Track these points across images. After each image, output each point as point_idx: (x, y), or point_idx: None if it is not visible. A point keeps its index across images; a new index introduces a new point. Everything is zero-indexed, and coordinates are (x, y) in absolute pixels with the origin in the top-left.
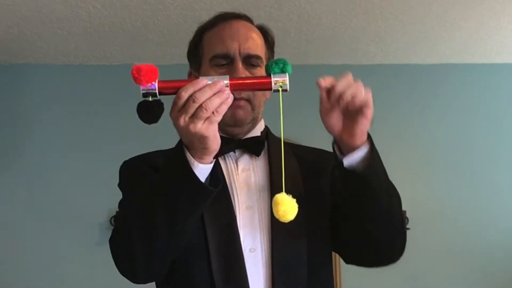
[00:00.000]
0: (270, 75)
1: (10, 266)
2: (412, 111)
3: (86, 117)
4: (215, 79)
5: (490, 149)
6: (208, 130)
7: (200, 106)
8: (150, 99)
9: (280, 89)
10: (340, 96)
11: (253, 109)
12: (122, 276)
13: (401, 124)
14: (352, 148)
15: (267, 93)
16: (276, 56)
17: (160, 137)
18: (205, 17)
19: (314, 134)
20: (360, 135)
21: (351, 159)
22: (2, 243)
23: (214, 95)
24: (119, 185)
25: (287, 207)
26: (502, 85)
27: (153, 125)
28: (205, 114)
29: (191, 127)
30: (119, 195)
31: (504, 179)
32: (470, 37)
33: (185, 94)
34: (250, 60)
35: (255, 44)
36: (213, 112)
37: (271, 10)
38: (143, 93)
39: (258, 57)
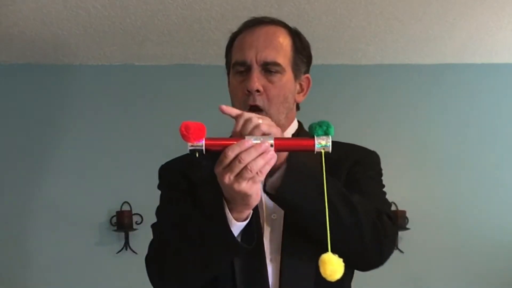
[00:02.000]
0: (313, 137)
1: (10, 265)
2: (411, 111)
3: (86, 117)
4: (261, 139)
5: (490, 149)
6: (252, 189)
7: (245, 166)
8: (197, 155)
9: (322, 150)
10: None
11: (271, 117)
12: (121, 276)
13: (401, 124)
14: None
15: (298, 96)
16: None
17: (160, 137)
18: (205, 17)
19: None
20: None
21: (271, 182)
22: (2, 242)
23: (259, 156)
24: (158, 187)
25: (335, 266)
26: (502, 85)
27: (153, 126)
28: (249, 175)
29: (236, 186)
30: (119, 196)
31: (504, 179)
32: (470, 37)
33: (231, 154)
34: (267, 67)
35: (275, 51)
36: (257, 173)
37: (271, 10)
38: (190, 150)
39: (276, 64)
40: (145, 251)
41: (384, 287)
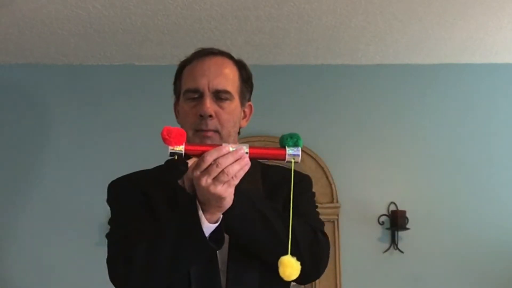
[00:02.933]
0: (284, 147)
1: (9, 266)
2: (411, 111)
3: (86, 117)
4: (238, 147)
5: (489, 149)
6: (226, 192)
7: (222, 170)
8: (176, 158)
9: (293, 159)
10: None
11: (221, 138)
12: None
13: (401, 124)
14: None
15: (242, 122)
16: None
17: (160, 136)
18: (205, 17)
19: (312, 133)
20: None
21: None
22: (2, 242)
23: (235, 161)
24: (108, 202)
25: (293, 270)
26: (502, 85)
27: (153, 126)
28: (225, 178)
29: (212, 188)
30: None
31: (504, 179)
32: (470, 37)
33: (209, 158)
34: (218, 95)
35: (225, 80)
36: (232, 177)
37: (271, 10)
38: (170, 153)
39: (226, 92)
40: None
41: (384, 287)
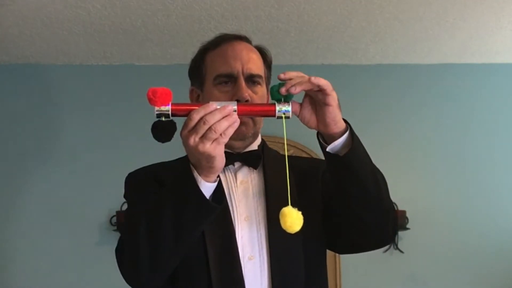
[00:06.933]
0: (274, 103)
1: (9, 265)
2: (411, 111)
3: (86, 117)
4: (224, 104)
5: (490, 149)
6: (216, 150)
7: (210, 128)
8: (163, 119)
9: (283, 115)
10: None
11: (254, 124)
12: (121, 275)
13: (401, 124)
14: (333, 137)
15: None
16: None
17: None
18: (205, 17)
19: (311, 132)
20: (333, 123)
21: (333, 146)
22: (2, 243)
23: (223, 118)
24: (125, 196)
25: (294, 219)
26: (502, 85)
27: None
28: (213, 135)
29: (200, 146)
30: (119, 196)
31: (504, 179)
32: (470, 37)
33: (196, 116)
34: (252, 79)
35: (256, 64)
36: (221, 134)
37: (271, 10)
38: (157, 114)
39: (259, 76)
40: None
41: (384, 287)
